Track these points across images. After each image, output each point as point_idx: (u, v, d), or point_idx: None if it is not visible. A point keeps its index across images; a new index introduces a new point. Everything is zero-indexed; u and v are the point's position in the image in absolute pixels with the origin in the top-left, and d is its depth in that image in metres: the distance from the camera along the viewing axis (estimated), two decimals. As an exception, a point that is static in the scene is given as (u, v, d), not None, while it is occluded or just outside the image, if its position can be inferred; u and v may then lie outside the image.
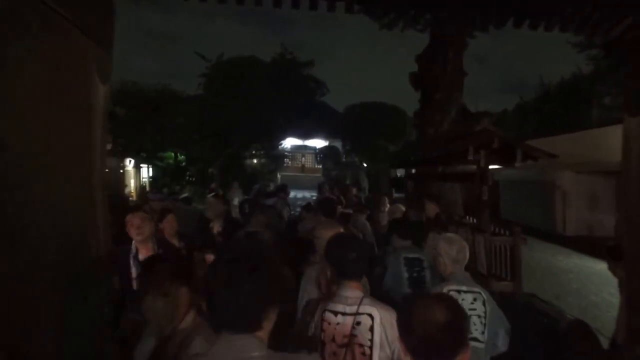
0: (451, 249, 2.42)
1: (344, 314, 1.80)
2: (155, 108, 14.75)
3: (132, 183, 19.35)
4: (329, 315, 1.82)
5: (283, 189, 9.53)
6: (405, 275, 3.15)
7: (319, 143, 30.30)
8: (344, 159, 25.19)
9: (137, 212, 3.18)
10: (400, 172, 18.75)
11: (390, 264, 3.28)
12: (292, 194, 22.99)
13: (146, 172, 22.06)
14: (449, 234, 2.70)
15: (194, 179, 20.09)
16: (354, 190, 9.34)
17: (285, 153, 29.06)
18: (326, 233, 2.38)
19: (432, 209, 5.12)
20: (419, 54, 10.18)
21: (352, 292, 1.83)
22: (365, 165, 23.41)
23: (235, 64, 18.26)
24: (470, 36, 10.13)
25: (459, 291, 2.30)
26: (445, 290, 2.30)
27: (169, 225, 3.64)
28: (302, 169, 34.43)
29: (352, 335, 1.76)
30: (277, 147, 25.16)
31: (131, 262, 2.95)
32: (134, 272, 2.90)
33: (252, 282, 1.10)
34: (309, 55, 27.88)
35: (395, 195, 14.43)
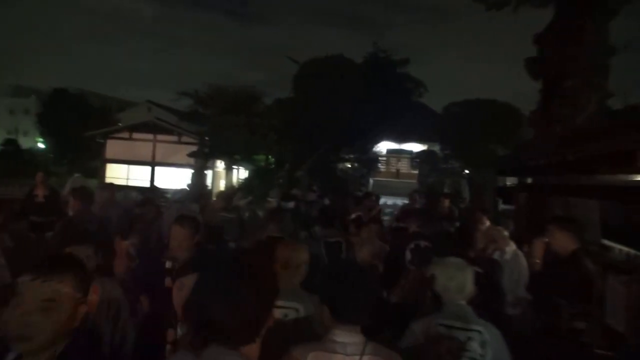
0: (442, 274, 2.20)
1: None
2: (237, 107, 14.61)
3: (221, 184, 19.82)
4: None
5: (368, 196, 9.03)
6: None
7: (416, 147, 28.87)
8: (442, 165, 23.12)
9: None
10: (510, 181, 16.38)
11: None
12: (382, 200, 21.82)
13: (238, 174, 22.59)
14: (453, 258, 2.37)
15: (282, 181, 19.89)
16: (447, 202, 7.63)
17: (379, 157, 27.99)
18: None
19: (565, 240, 3.26)
20: (539, 33, 8.11)
21: (351, 337, 1.53)
22: (467, 172, 21.14)
23: (322, 64, 17.53)
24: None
25: (449, 327, 2.05)
26: (433, 323, 2.08)
27: None
28: (397, 174, 32.82)
29: None
30: (370, 151, 24.23)
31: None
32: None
33: (256, 286, 1.09)
34: (404, 55, 26.07)
35: (503, 206, 12.46)
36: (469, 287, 2.17)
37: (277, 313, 2.03)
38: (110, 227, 5.38)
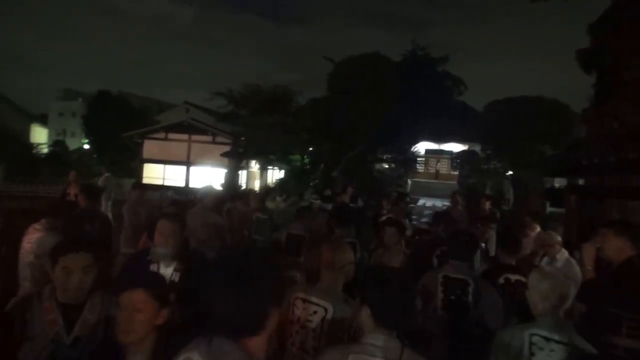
0: (542, 283, 2.04)
1: None
2: (271, 107, 14.56)
3: (256, 184, 19.85)
4: None
5: (401, 198, 8.72)
6: (440, 296, 2.83)
7: (456, 147, 28.11)
8: (484, 165, 22.21)
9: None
10: (559, 182, 15.46)
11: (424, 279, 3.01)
12: (420, 201, 21.20)
13: (273, 174, 22.62)
14: (549, 267, 2.43)
15: (317, 182, 19.69)
16: (487, 203, 7.17)
17: (417, 157, 27.36)
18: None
19: (620, 247, 2.86)
20: (593, 23, 7.49)
21: (389, 341, 1.54)
22: (510, 172, 20.15)
23: (358, 62, 17.16)
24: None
25: (547, 339, 1.93)
26: (527, 333, 1.97)
27: None
28: (436, 175, 32.01)
29: None
30: (408, 151, 23.66)
31: None
32: None
33: (259, 283, 1.12)
34: (443, 53, 25.12)
35: (551, 209, 11.69)
36: (570, 299, 2.07)
37: (309, 309, 2.17)
38: (139, 226, 5.35)
